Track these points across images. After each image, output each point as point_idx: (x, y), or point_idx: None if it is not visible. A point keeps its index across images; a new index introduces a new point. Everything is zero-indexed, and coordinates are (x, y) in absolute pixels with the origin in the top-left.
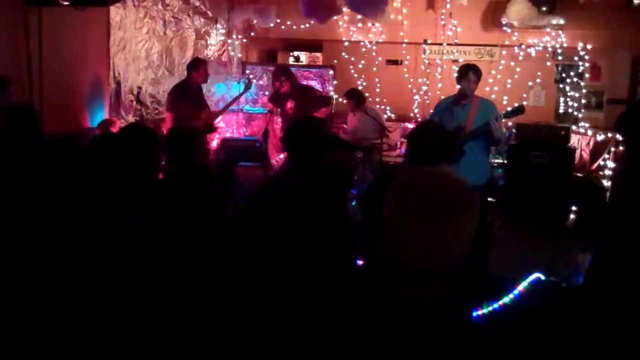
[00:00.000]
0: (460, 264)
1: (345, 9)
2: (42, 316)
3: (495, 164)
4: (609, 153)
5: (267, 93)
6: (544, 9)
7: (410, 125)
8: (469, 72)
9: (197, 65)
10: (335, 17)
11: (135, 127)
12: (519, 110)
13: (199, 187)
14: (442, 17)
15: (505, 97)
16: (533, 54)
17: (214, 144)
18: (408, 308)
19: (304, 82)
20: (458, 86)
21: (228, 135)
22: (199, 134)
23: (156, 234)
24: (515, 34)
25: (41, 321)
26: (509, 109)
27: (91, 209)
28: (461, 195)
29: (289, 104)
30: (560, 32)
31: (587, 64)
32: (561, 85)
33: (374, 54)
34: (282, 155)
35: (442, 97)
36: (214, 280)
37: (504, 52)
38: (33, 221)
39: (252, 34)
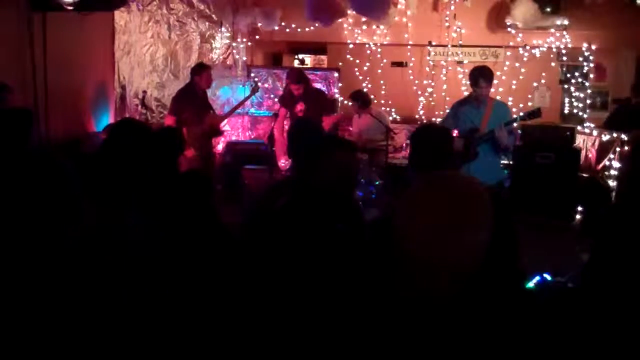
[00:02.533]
0: (475, 265)
1: (349, 12)
2: (41, 317)
3: (501, 165)
4: (614, 153)
5: (272, 96)
6: (548, 9)
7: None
8: (479, 80)
9: (201, 71)
10: (339, 20)
11: (125, 122)
12: (535, 113)
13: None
14: (447, 18)
15: (510, 98)
16: (537, 55)
17: (220, 147)
18: (422, 308)
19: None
20: (463, 88)
21: (234, 138)
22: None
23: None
24: (520, 35)
25: (40, 322)
26: (521, 113)
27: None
28: (474, 198)
29: (299, 107)
30: (564, 32)
31: (591, 65)
32: (566, 86)
33: (378, 56)
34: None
35: (448, 98)
36: (211, 283)
37: (508, 53)
38: (28, 224)
39: (257, 37)
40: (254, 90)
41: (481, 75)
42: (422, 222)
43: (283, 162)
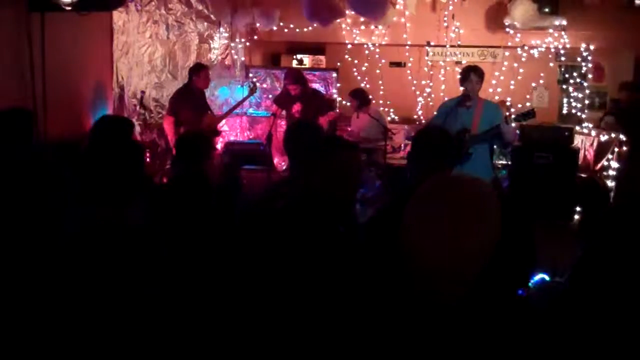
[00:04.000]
0: (482, 268)
1: (348, 12)
2: (42, 317)
3: (499, 165)
4: (612, 153)
5: (270, 96)
6: (547, 10)
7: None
8: (470, 74)
9: (199, 71)
10: (338, 20)
11: (106, 119)
12: (530, 114)
13: (193, 194)
14: (445, 19)
15: (508, 98)
16: (536, 55)
17: (218, 147)
18: (427, 311)
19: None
20: (461, 88)
21: (232, 138)
22: (209, 140)
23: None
24: (518, 35)
25: (40, 322)
26: (515, 113)
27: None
28: (483, 201)
29: (296, 107)
30: (563, 33)
31: (590, 65)
32: (564, 86)
33: (377, 56)
34: (285, 159)
35: (446, 98)
36: (210, 284)
37: (506, 54)
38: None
39: (255, 37)
40: (252, 90)
41: (472, 70)
42: (430, 225)
43: (280, 163)
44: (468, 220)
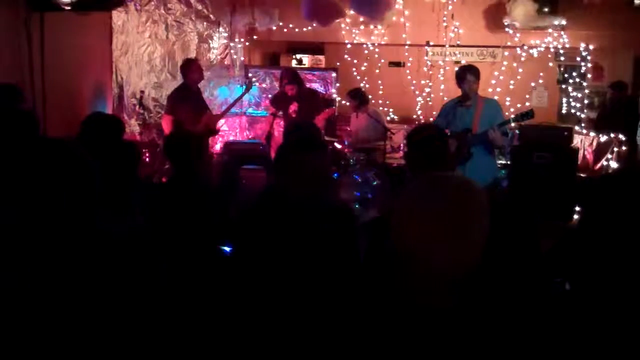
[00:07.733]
0: (473, 267)
1: (347, 12)
2: (41, 320)
3: (499, 165)
4: (612, 153)
5: (269, 96)
6: (546, 9)
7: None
8: (466, 74)
9: (189, 65)
10: (337, 20)
11: (95, 117)
12: (528, 114)
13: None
14: (444, 18)
15: (507, 98)
16: (535, 55)
17: (217, 147)
18: (422, 312)
19: (307, 85)
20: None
21: (231, 138)
22: (195, 140)
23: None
24: (518, 35)
25: (40, 325)
26: (513, 116)
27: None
28: (471, 200)
29: (293, 107)
30: (562, 32)
31: (589, 65)
32: (564, 86)
33: (376, 56)
34: None
35: (445, 98)
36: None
37: (506, 53)
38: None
39: (255, 37)
40: (249, 87)
41: (468, 70)
42: (418, 223)
43: None
44: (455, 220)
